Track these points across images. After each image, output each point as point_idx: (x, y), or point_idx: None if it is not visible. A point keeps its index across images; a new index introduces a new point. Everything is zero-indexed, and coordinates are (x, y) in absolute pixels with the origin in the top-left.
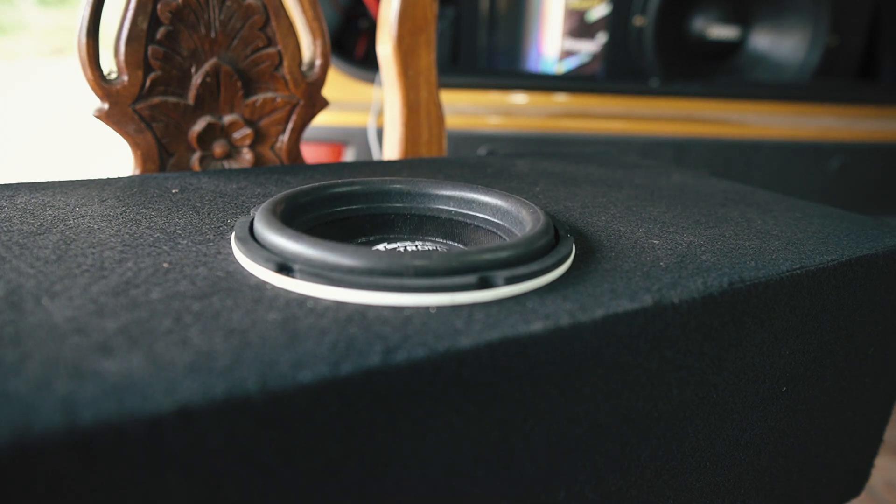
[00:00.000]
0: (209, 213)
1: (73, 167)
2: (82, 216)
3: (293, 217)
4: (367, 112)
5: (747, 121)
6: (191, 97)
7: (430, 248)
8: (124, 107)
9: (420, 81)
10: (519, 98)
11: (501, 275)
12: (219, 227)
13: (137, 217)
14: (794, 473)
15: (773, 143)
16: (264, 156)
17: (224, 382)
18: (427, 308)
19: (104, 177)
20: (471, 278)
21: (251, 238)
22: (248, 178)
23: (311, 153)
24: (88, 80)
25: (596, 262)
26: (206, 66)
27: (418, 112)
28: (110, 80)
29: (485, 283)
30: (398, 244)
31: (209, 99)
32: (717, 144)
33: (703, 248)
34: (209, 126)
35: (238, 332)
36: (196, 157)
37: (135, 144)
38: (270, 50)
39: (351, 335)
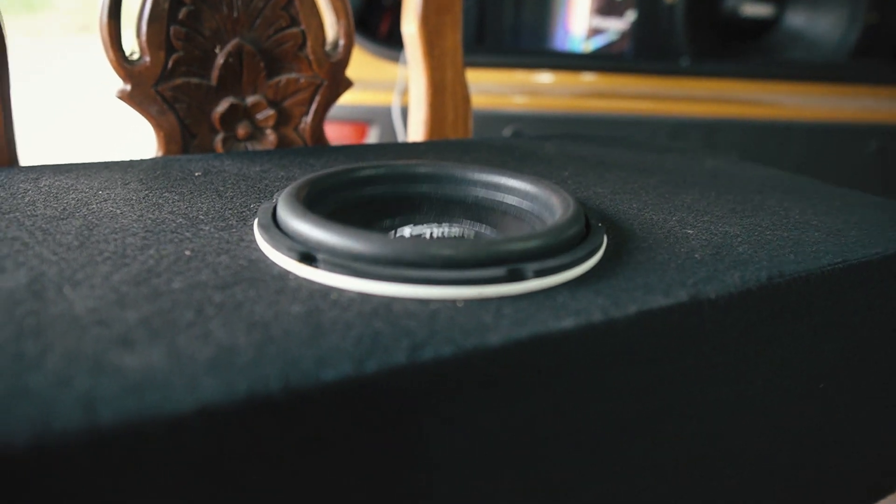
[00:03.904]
0: (232, 198)
1: (99, 144)
2: (105, 200)
3: (317, 201)
4: (391, 91)
5: (781, 102)
6: (213, 78)
7: (457, 231)
8: (146, 88)
9: (445, 61)
10: (545, 77)
11: (531, 267)
12: (242, 213)
13: (160, 201)
14: (830, 469)
15: (808, 125)
16: (288, 137)
17: (246, 380)
18: (454, 301)
19: (128, 159)
20: (499, 271)
21: (274, 225)
22: (272, 160)
23: (335, 132)
24: (110, 61)
25: (628, 252)
26: (229, 47)
27: (443, 93)
28: (132, 61)
29: (514, 276)
30: (425, 228)
31: (232, 80)
32: (749, 126)
33: (739, 239)
34: (232, 107)
35: (261, 325)
36: (219, 138)
37: (157, 126)
38: (294, 30)
39: (376, 330)
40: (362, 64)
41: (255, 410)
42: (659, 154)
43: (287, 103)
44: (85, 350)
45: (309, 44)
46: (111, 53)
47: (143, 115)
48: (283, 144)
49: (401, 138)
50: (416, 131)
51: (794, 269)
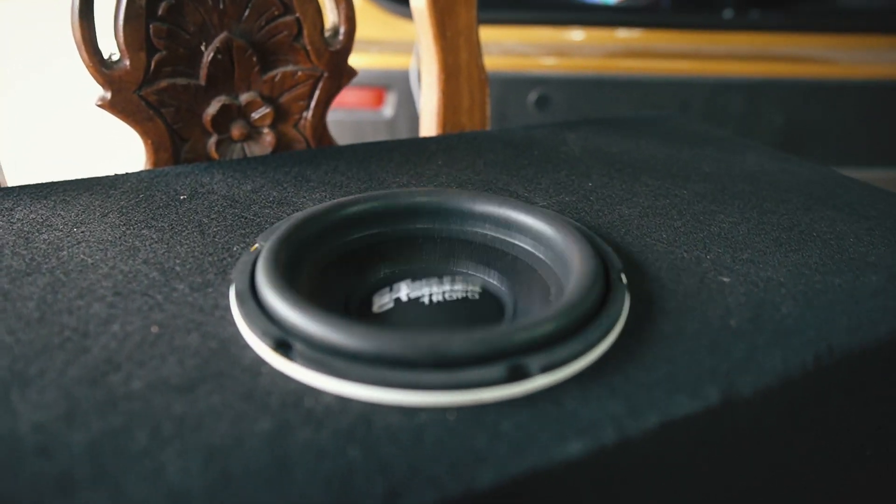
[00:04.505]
0: (215, 235)
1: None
2: (79, 242)
3: (305, 252)
4: (409, 53)
5: (834, 58)
6: (202, 77)
7: (461, 291)
8: (128, 94)
9: (459, 42)
10: (574, 34)
11: (536, 362)
12: (222, 260)
13: (136, 243)
14: None
15: (864, 84)
16: (287, 135)
17: None
18: (445, 411)
19: (112, 174)
20: (499, 370)
21: (250, 294)
22: (265, 173)
23: (351, 97)
24: (87, 67)
25: (652, 319)
26: (217, 42)
27: (458, 77)
28: (111, 65)
29: (515, 375)
30: (424, 287)
31: (223, 77)
32: (796, 86)
33: (783, 292)
34: (224, 107)
35: (220, 455)
36: (212, 141)
37: (144, 133)
38: (287, 18)
39: (350, 463)
40: (379, 23)
41: None
42: (695, 148)
43: (284, 99)
44: (20, 495)
45: (305, 32)
46: (86, 58)
47: (127, 123)
48: (282, 144)
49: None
50: (428, 120)
51: (847, 342)
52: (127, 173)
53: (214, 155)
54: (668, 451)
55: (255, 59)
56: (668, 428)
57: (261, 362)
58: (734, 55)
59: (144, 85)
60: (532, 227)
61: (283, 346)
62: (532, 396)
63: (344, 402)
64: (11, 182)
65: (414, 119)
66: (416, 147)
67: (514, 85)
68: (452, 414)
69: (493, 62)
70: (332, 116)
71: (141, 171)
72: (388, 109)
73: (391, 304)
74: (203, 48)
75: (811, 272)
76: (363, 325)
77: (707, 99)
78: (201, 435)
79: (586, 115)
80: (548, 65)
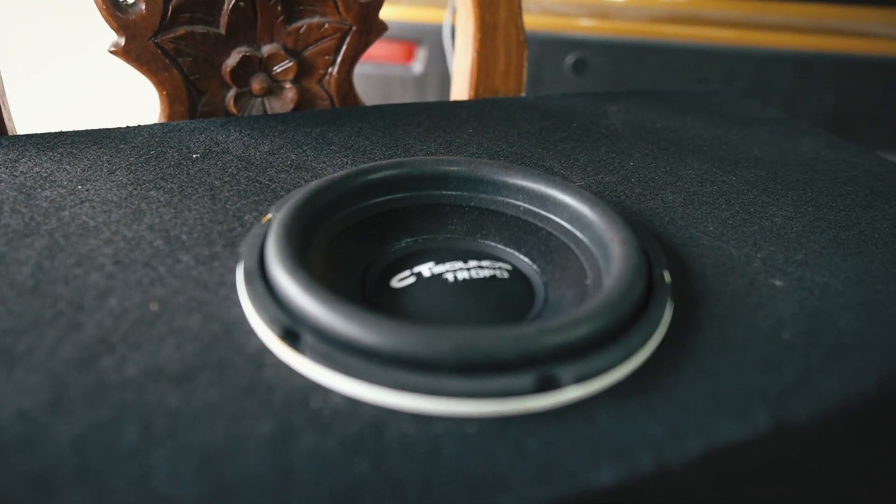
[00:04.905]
0: (227, 200)
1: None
2: (82, 201)
3: (321, 221)
4: (444, 7)
5: (893, 34)
6: (222, 26)
7: (488, 273)
8: (144, 40)
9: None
10: None
11: (568, 372)
12: (231, 229)
13: (143, 205)
14: None
15: None
16: (310, 91)
17: None
18: (465, 422)
19: (124, 126)
20: (527, 380)
21: (259, 273)
22: (285, 133)
23: (380, 50)
24: (100, 10)
25: (696, 325)
26: None
27: (494, 37)
28: (126, 9)
29: (545, 385)
30: (448, 267)
31: (244, 27)
32: (851, 62)
33: (840, 302)
34: (245, 59)
35: (215, 460)
36: (231, 94)
37: (159, 83)
38: None
39: (357, 478)
40: None
41: None
42: (745, 128)
43: (309, 53)
44: None
45: None
46: (100, 0)
47: (141, 72)
48: (304, 100)
49: (450, 63)
50: (460, 82)
51: None
52: (139, 126)
53: (233, 109)
54: (709, 482)
55: (279, 8)
56: (712, 456)
57: (266, 352)
58: (785, 26)
59: (160, 32)
60: (568, 205)
61: (291, 335)
62: (562, 410)
63: (354, 404)
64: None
65: (445, 77)
66: (446, 112)
67: (551, 46)
68: (473, 426)
69: (531, 21)
70: (359, 70)
71: (154, 125)
72: (418, 65)
73: (412, 279)
74: None
75: (872, 280)
76: (380, 315)
77: (753, 72)
78: (196, 435)
79: (625, 82)
80: (588, 26)
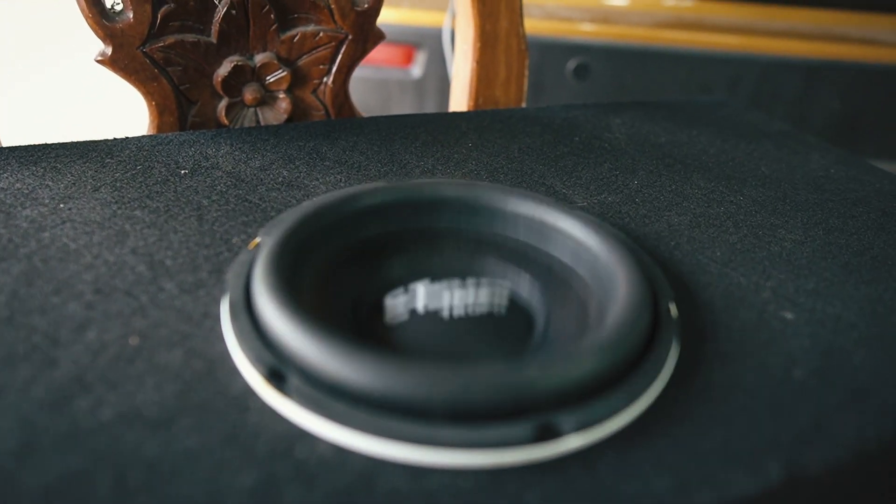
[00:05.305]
0: (214, 221)
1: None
2: (63, 221)
3: (312, 247)
4: (444, 10)
5: None
6: (213, 34)
7: (485, 305)
8: (132, 49)
9: (500, 7)
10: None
11: (570, 420)
12: (218, 255)
13: (126, 227)
14: None
15: None
16: (304, 101)
17: None
18: (459, 475)
19: (111, 138)
20: (525, 428)
21: (245, 307)
22: (277, 147)
23: (378, 54)
24: (86, 18)
25: (705, 364)
26: None
27: (495, 46)
28: (113, 17)
29: (545, 435)
30: (444, 298)
31: (236, 35)
32: (861, 70)
33: (854, 336)
34: (237, 68)
35: None
36: (223, 105)
37: (148, 94)
38: None
39: None
40: None
41: None
42: (752, 143)
43: (303, 62)
44: None
45: None
46: (86, 8)
47: (129, 82)
48: (298, 110)
49: (449, 67)
50: (460, 91)
51: None
52: (126, 138)
53: (224, 120)
54: None
55: (272, 16)
56: None
57: (250, 393)
58: (792, 32)
59: (149, 41)
60: (571, 236)
61: (276, 376)
62: (562, 461)
63: (342, 453)
64: None
65: (444, 81)
66: (444, 124)
67: (552, 51)
68: (468, 480)
69: (532, 25)
70: (357, 74)
71: (142, 137)
72: (417, 69)
73: (406, 316)
74: (216, 1)
75: (887, 310)
76: (370, 356)
77: (759, 79)
78: (173, 489)
79: (627, 88)
80: (589, 31)
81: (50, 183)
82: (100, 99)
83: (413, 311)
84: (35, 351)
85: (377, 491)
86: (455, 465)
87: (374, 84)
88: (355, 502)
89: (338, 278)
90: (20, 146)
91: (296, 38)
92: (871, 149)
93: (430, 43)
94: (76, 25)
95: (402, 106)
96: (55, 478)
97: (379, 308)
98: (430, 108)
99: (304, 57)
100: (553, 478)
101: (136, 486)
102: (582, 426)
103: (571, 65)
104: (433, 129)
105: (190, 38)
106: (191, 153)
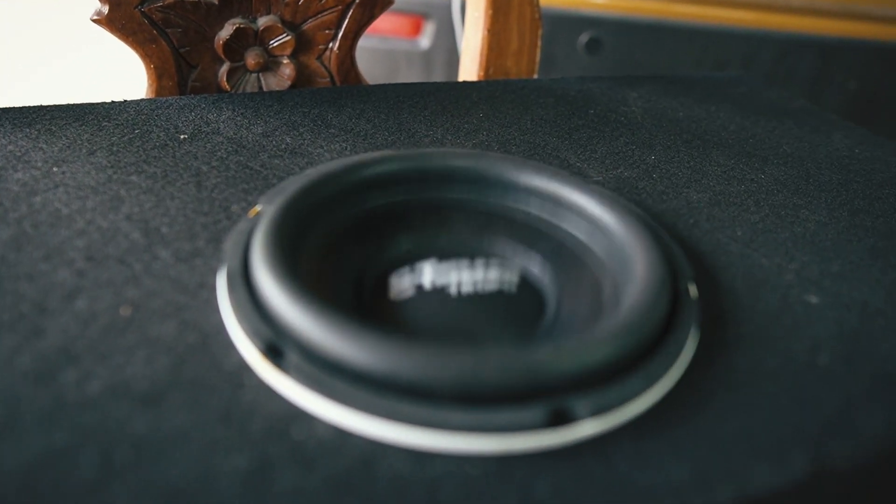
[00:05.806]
0: (213, 188)
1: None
2: (56, 186)
3: (314, 218)
4: None
5: None
6: None
7: (495, 282)
8: (129, 8)
9: None
10: None
11: (585, 404)
12: (216, 223)
13: (122, 192)
14: None
15: None
16: (309, 68)
17: None
18: (465, 461)
19: (108, 101)
20: (537, 413)
21: (242, 278)
22: (280, 113)
23: (385, 23)
24: None
25: (725, 348)
26: None
27: (508, 14)
28: None
29: (558, 420)
30: (452, 274)
31: None
32: (879, 49)
33: (881, 322)
34: (239, 31)
35: (183, 499)
36: (224, 69)
37: (146, 56)
38: None
39: None
40: None
41: None
42: (773, 120)
43: (308, 27)
44: None
45: None
46: None
47: (126, 43)
48: (302, 77)
49: (459, 39)
50: (469, 60)
51: None
52: (125, 101)
53: (225, 85)
54: None
55: None
56: (744, 502)
57: (246, 369)
58: (809, 9)
59: (148, 0)
60: (585, 210)
61: (274, 351)
62: (575, 448)
63: (342, 436)
64: None
65: (452, 53)
66: (454, 93)
67: (565, 23)
68: (475, 466)
69: None
70: (362, 44)
71: (141, 100)
72: (426, 40)
73: (411, 292)
74: None
75: None
76: (374, 333)
77: (774, 56)
78: (161, 468)
79: (640, 63)
80: (603, 4)
81: (43, 146)
82: (97, 57)
83: (419, 287)
84: (21, 319)
85: (378, 476)
86: (461, 451)
87: (381, 55)
88: (354, 487)
89: (341, 250)
90: (13, 107)
91: (301, 1)
92: (888, 130)
93: (439, 13)
94: (76, 25)
95: (409, 78)
96: (38, 454)
97: (383, 283)
98: (437, 80)
99: (310, 21)
100: (565, 466)
101: (122, 465)
102: (597, 412)
103: (583, 38)
104: (443, 99)
105: None
106: (191, 118)
